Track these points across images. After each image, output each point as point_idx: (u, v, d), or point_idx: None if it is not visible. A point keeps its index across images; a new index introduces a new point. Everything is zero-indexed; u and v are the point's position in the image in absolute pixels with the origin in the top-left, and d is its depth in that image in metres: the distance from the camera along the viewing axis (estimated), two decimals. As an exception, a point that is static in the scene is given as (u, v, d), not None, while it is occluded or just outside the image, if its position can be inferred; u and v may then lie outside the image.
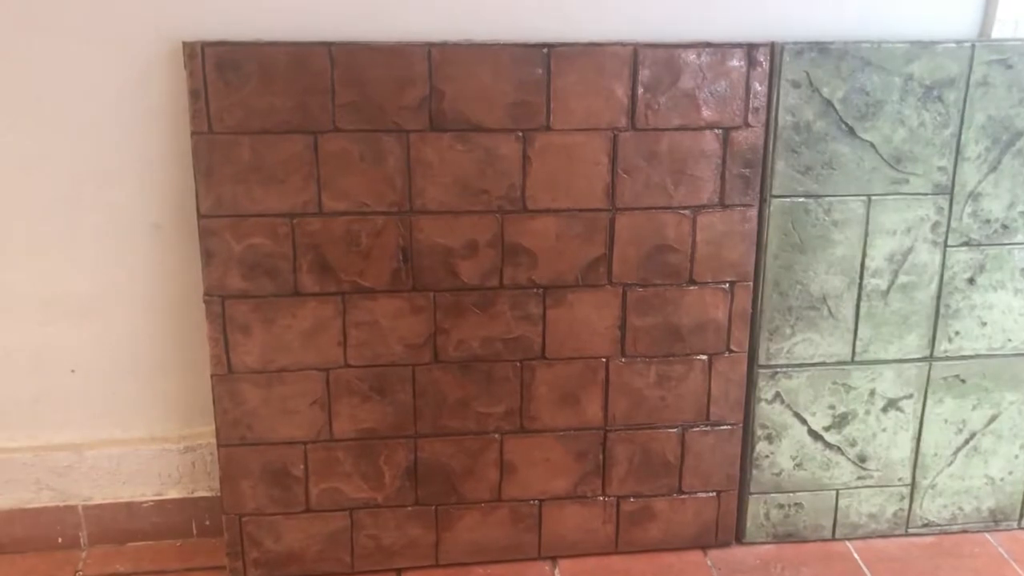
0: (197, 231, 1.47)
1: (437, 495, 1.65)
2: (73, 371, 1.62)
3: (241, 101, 1.42)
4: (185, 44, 1.39)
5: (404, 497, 1.64)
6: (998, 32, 1.56)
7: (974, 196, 1.60)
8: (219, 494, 1.62)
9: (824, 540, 1.77)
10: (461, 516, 1.66)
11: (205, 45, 1.39)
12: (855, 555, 1.74)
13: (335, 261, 1.50)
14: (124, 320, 1.60)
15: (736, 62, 1.50)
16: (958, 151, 1.57)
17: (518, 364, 1.60)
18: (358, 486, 1.62)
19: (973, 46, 1.53)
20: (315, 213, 1.48)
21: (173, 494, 1.71)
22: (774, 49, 1.50)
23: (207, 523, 1.72)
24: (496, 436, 1.63)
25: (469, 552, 1.68)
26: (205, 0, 1.42)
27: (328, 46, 1.42)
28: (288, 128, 1.44)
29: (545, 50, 1.46)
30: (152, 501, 1.71)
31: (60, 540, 1.70)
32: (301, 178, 1.46)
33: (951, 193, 1.59)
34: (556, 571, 1.69)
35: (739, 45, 1.50)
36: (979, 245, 1.62)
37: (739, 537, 1.76)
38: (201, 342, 1.54)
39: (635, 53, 1.48)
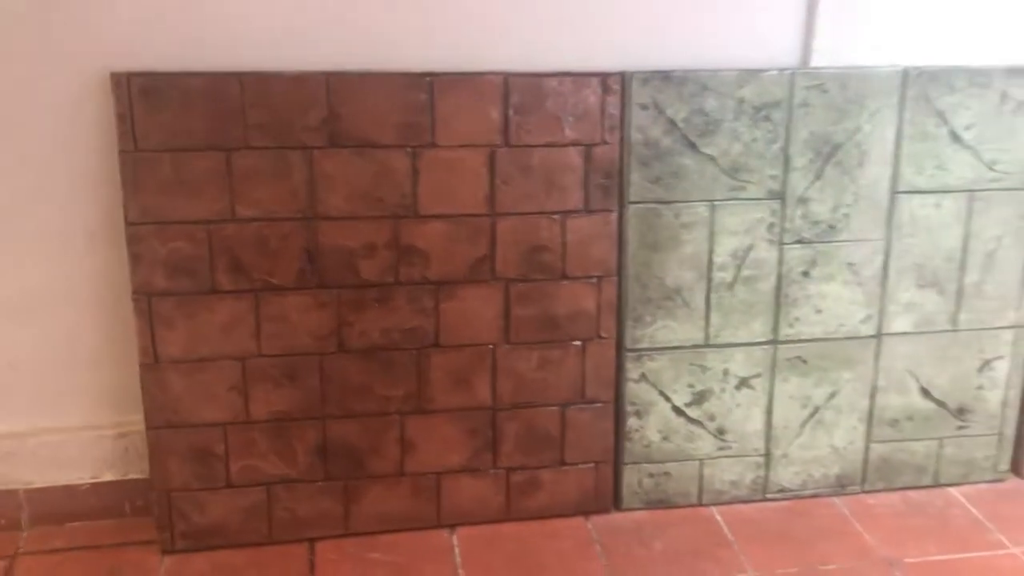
0: (125, 237, 1.68)
1: (345, 471, 1.86)
2: (13, 366, 1.81)
3: (163, 123, 1.64)
4: (113, 74, 1.62)
5: (315, 473, 1.84)
6: (816, 61, 1.84)
7: (803, 201, 1.87)
8: (149, 476, 1.82)
9: (691, 505, 2.01)
10: (367, 489, 1.87)
11: (131, 75, 1.62)
12: (718, 518, 1.98)
13: (248, 262, 1.72)
14: (61, 318, 1.79)
15: (592, 89, 1.76)
16: (786, 162, 1.84)
17: (415, 352, 1.82)
18: (273, 463, 1.82)
19: (794, 74, 1.81)
20: (229, 220, 1.70)
21: (108, 477, 1.89)
22: (624, 77, 1.77)
23: (139, 503, 1.90)
24: (397, 417, 1.85)
25: (375, 522, 1.89)
26: (131, 36, 1.65)
27: (239, 76, 1.65)
28: (204, 146, 1.66)
29: (429, 79, 1.71)
30: (88, 484, 1.89)
31: (3, 522, 1.87)
32: (216, 189, 1.68)
33: (783, 198, 1.86)
34: (454, 538, 1.90)
35: (595, 74, 1.76)
36: (810, 243, 1.89)
37: (616, 504, 1.99)
38: (131, 337, 1.74)
39: (506, 81, 1.73)
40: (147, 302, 1.70)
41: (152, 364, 1.73)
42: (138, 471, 1.89)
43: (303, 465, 1.84)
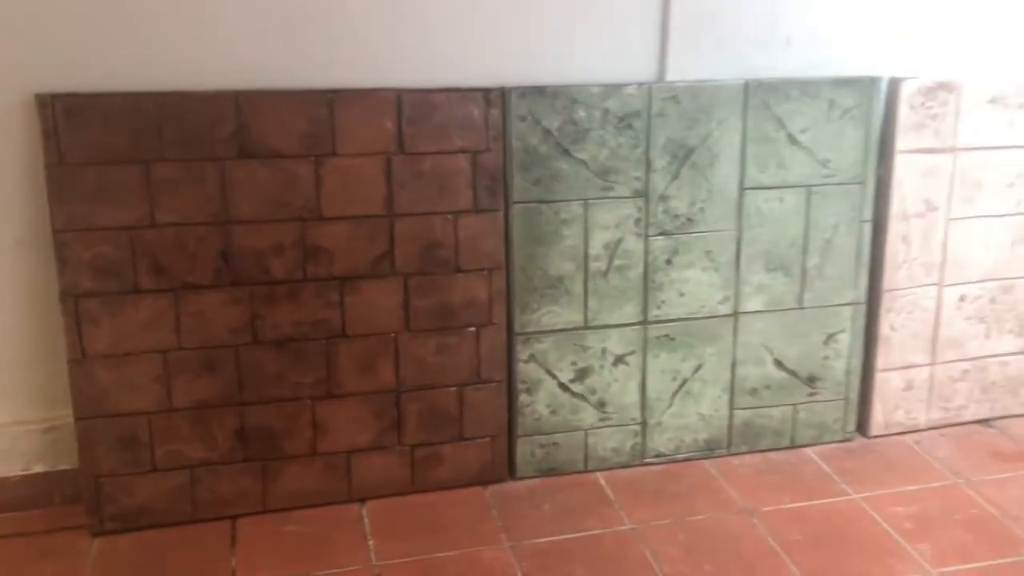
0: (52, 244, 1.84)
1: (262, 452, 2.04)
2: (-54, 366, 1.95)
3: (86, 139, 1.81)
4: (37, 95, 1.78)
5: (234, 455, 2.02)
6: (670, 76, 2.11)
7: (663, 198, 2.13)
8: (77, 466, 1.97)
9: (578, 472, 2.25)
10: (283, 469, 2.06)
11: (54, 96, 1.78)
12: (602, 482, 2.22)
13: (167, 264, 1.89)
14: (-9, 320, 1.94)
15: (476, 102, 1.99)
16: (648, 165, 2.10)
17: (323, 342, 2.02)
18: (195, 447, 1.99)
19: (651, 87, 2.07)
20: (149, 226, 1.87)
21: (38, 469, 2.03)
22: (504, 92, 2.00)
23: (68, 493, 2.04)
24: (308, 401, 2.04)
25: (292, 498, 2.07)
26: (55, 60, 1.81)
27: (155, 95, 1.83)
28: (125, 159, 1.83)
29: (329, 95, 1.92)
30: (19, 476, 2.03)
31: (-64, 515, 2.00)
32: (137, 198, 1.85)
33: (646, 196, 2.12)
34: (363, 510, 2.10)
35: (478, 90, 1.99)
36: (672, 234, 2.16)
37: (511, 473, 2.21)
38: (58, 337, 1.89)
39: (399, 96, 1.95)
40: (74, 303, 1.86)
41: (80, 360, 1.89)
42: (66, 462, 2.04)
43: (223, 448, 2.01)
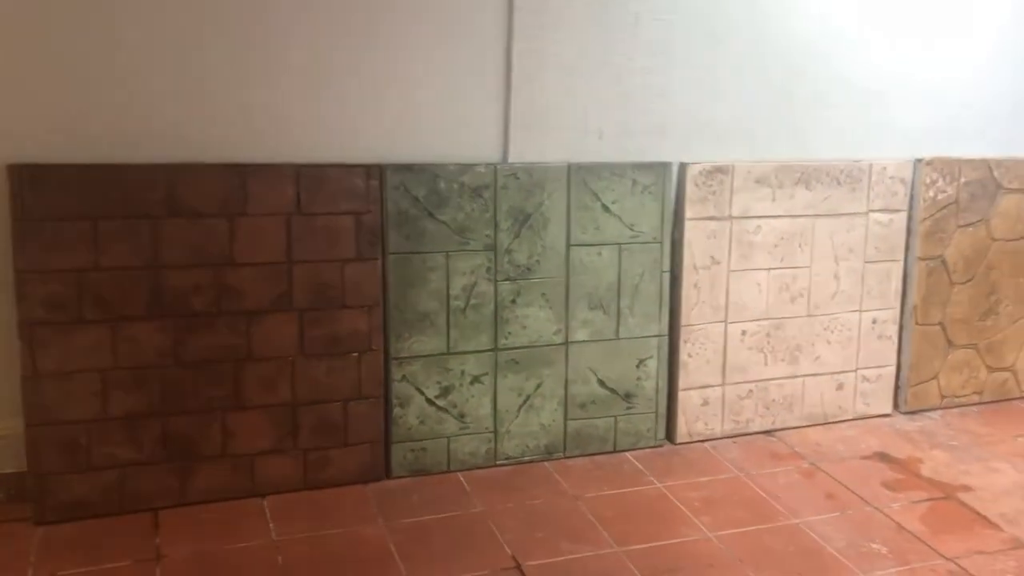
0: (13, 282, 2.28)
1: (181, 454, 2.49)
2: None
3: (45, 200, 2.28)
4: (8, 166, 2.25)
5: (158, 456, 2.47)
6: (511, 159, 2.74)
7: (508, 251, 2.73)
8: (22, 470, 2.38)
9: (443, 472, 2.77)
10: (198, 469, 2.51)
11: (21, 167, 2.26)
12: (462, 479, 2.75)
13: (108, 299, 2.36)
14: (-45, 346, 2.36)
15: (360, 175, 2.56)
16: (496, 226, 2.70)
17: (233, 363, 2.50)
18: (125, 450, 2.43)
19: (496, 167, 2.69)
20: (94, 269, 2.34)
21: (-12, 471, 2.44)
22: (382, 168, 2.58)
23: (13, 492, 2.44)
24: (220, 412, 2.51)
25: (205, 494, 2.52)
26: (23, 138, 2.29)
27: (101, 167, 2.32)
28: (75, 216, 2.31)
29: (242, 168, 2.45)
30: (-30, 478, 2.42)
31: None
32: (85, 247, 2.32)
33: (495, 250, 2.72)
34: (265, 503, 2.56)
35: (361, 166, 2.56)
36: (515, 280, 2.75)
37: (388, 473, 2.72)
38: (14, 359, 2.32)
39: (298, 170, 2.50)
40: (30, 330, 2.31)
41: (32, 376, 2.32)
42: (13, 466, 2.44)
43: (148, 451, 2.45)
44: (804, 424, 3.21)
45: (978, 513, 2.66)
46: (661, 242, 2.89)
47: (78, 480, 2.40)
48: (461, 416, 2.76)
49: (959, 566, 2.37)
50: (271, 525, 2.45)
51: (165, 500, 2.49)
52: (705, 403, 3.05)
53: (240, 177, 2.44)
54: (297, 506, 2.55)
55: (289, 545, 2.35)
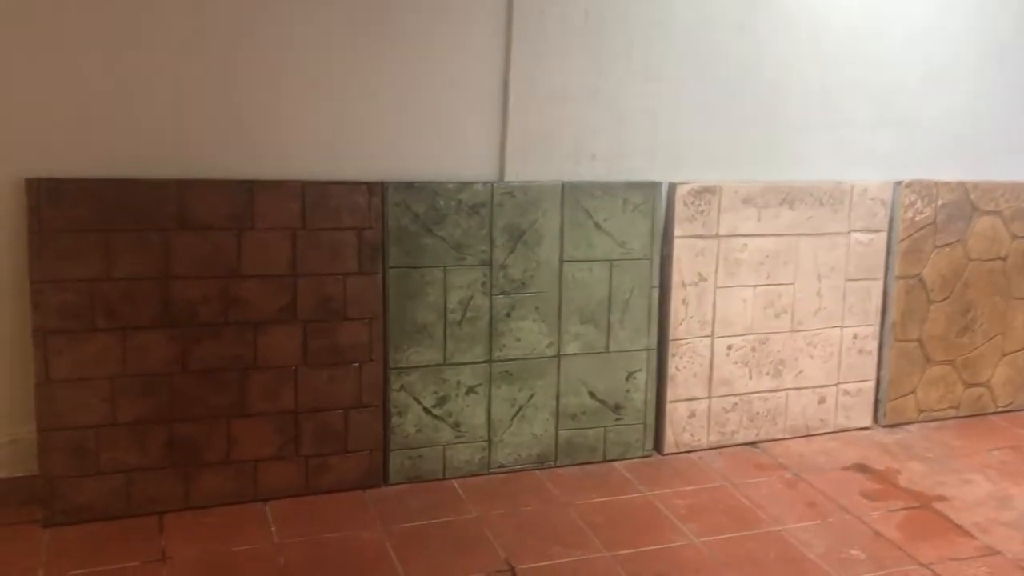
0: (29, 291, 2.37)
1: (186, 460, 2.58)
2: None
3: (61, 213, 2.37)
4: (27, 180, 2.35)
5: (164, 462, 2.55)
6: (507, 177, 2.85)
7: (503, 267, 2.84)
8: (35, 473, 2.46)
9: (439, 479, 2.87)
10: (203, 474, 2.60)
11: (40, 180, 2.35)
12: (456, 486, 2.85)
13: (119, 309, 2.45)
14: (-29, 353, 2.45)
15: (362, 193, 2.66)
16: (492, 242, 2.81)
17: (238, 372, 2.60)
18: (132, 455, 2.52)
19: (493, 185, 2.80)
20: (106, 279, 2.43)
21: (1, 475, 2.50)
22: (384, 186, 2.69)
23: (25, 495, 2.51)
24: (225, 419, 2.60)
25: (209, 498, 2.61)
26: (41, 152, 2.39)
27: (116, 181, 2.42)
28: (89, 229, 2.40)
29: (249, 184, 2.55)
30: (-17, 481, 2.51)
31: (-91, 514, 2.44)
32: (97, 259, 2.42)
33: (491, 265, 2.82)
34: (267, 507, 2.65)
35: (363, 183, 2.67)
36: (510, 294, 2.86)
37: (385, 480, 2.81)
38: (28, 365, 2.41)
39: (303, 187, 2.60)
40: (43, 338, 2.39)
41: (45, 383, 2.41)
42: (24, 470, 2.52)
43: (154, 456, 2.54)
44: (787, 436, 3.33)
45: (952, 522, 2.77)
46: (651, 259, 3.00)
47: (87, 484, 2.48)
48: (456, 425, 2.86)
49: (933, 572, 2.48)
50: (273, 528, 2.54)
51: (170, 504, 2.57)
52: (692, 415, 3.15)
53: (248, 193, 2.54)
54: (298, 511, 2.64)
55: (290, 548, 2.44)
